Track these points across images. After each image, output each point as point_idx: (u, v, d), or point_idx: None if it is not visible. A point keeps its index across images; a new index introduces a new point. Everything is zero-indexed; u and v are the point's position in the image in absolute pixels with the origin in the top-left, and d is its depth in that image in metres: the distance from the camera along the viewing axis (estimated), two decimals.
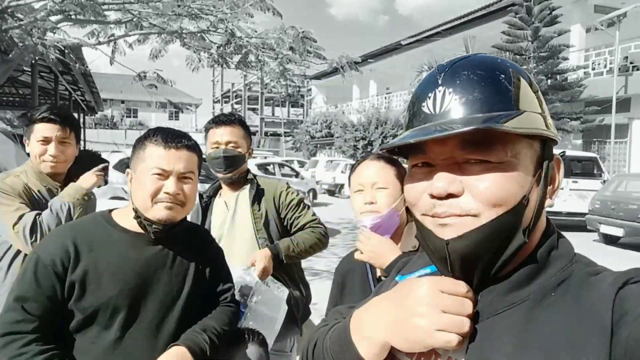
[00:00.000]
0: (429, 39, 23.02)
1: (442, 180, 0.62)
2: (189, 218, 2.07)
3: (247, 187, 2.02)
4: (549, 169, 0.65)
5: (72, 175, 2.00)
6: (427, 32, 23.31)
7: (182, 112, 40.87)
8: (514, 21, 16.41)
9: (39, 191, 1.89)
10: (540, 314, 0.59)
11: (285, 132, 37.10)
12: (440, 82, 0.65)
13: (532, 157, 0.64)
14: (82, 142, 2.10)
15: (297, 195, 2.04)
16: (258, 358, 1.43)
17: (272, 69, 7.24)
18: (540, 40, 16.04)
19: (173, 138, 1.30)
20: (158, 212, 1.27)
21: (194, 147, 1.35)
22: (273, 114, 45.02)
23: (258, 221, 1.95)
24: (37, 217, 1.74)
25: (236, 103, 44.74)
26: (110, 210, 1.37)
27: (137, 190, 1.29)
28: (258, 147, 34.94)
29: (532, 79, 0.67)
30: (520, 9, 16.26)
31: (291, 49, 6.62)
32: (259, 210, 1.97)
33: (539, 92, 0.68)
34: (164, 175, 1.28)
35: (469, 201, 0.61)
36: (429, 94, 0.65)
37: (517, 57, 16.33)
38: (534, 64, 16.21)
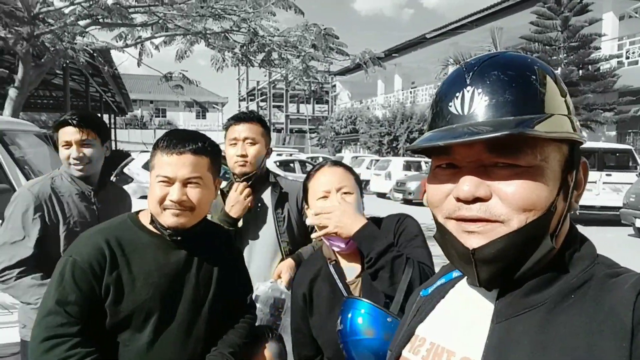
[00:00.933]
0: (454, 31, 22.62)
1: (469, 184, 0.60)
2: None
3: (269, 189, 2.00)
4: (577, 174, 0.64)
5: (104, 176, 2.04)
6: (452, 24, 22.90)
7: (208, 111, 41.43)
8: (542, 11, 15.95)
9: (70, 195, 1.94)
10: (559, 316, 0.58)
11: (310, 129, 37.17)
12: (468, 81, 0.63)
13: (561, 160, 0.62)
14: (111, 142, 2.14)
15: None
16: (277, 354, 1.46)
17: (295, 66, 7.27)
18: (570, 30, 15.54)
19: (177, 143, 1.26)
20: (167, 219, 1.27)
21: (202, 150, 1.29)
22: (298, 111, 45.17)
23: (281, 225, 1.95)
24: (20, 274, 1.80)
25: (261, 101, 45.08)
26: (137, 212, 1.38)
27: (149, 197, 1.30)
28: (283, 144, 35.14)
29: (559, 78, 0.65)
30: None
31: (313, 46, 6.64)
32: (281, 214, 1.96)
33: (568, 95, 0.66)
34: (169, 182, 1.26)
35: (498, 206, 0.59)
36: (457, 94, 0.63)
37: (547, 47, 15.88)
38: (564, 55, 15.73)
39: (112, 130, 21.38)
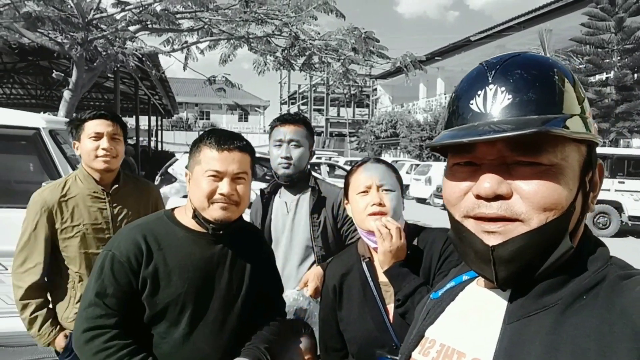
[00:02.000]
0: (500, 33, 22.02)
1: (490, 181, 0.60)
2: (248, 215, 2.15)
3: (309, 192, 1.99)
4: (593, 175, 0.64)
5: (119, 177, 2.03)
6: (498, 26, 22.31)
7: (249, 113, 42.18)
8: (595, 12, 15.28)
9: (82, 197, 1.93)
10: (571, 317, 0.57)
11: (350, 133, 37.12)
12: (490, 79, 0.62)
13: (580, 161, 0.62)
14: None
15: None
16: (310, 348, 1.49)
17: (335, 70, 7.31)
18: (625, 32, 14.81)
19: (226, 140, 1.33)
20: (214, 212, 1.31)
21: (246, 148, 1.37)
22: (338, 115, 45.23)
23: (315, 229, 1.94)
24: (39, 303, 1.88)
25: (302, 104, 45.46)
26: (172, 210, 1.44)
27: (194, 191, 1.34)
28: (323, 147, 35.26)
29: (577, 81, 0.65)
30: None
31: (354, 49, 6.65)
32: (317, 219, 1.95)
33: (586, 98, 0.65)
34: (218, 176, 1.31)
35: (518, 204, 0.59)
36: (478, 92, 0.63)
37: (599, 50, 15.20)
38: (618, 57, 15.00)
39: (159, 132, 22.14)
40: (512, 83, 0.61)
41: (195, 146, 1.37)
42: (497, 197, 0.60)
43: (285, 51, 7.09)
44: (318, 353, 1.52)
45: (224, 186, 1.31)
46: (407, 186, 17.87)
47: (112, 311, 1.26)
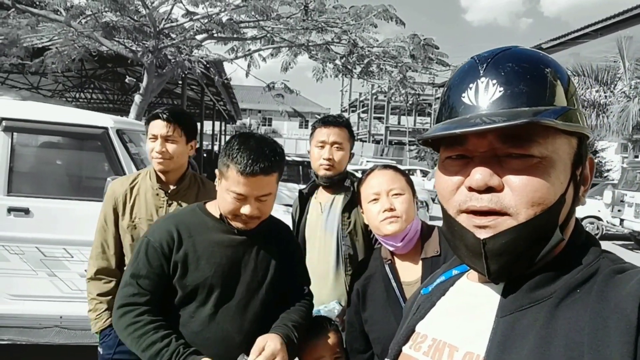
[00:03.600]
0: (574, 40, 20.87)
1: (482, 173, 0.60)
2: (289, 217, 2.20)
3: (344, 193, 2.02)
4: (583, 169, 0.64)
5: (185, 176, 2.05)
6: (572, 33, 21.16)
7: (309, 121, 42.77)
8: None
9: (145, 193, 2.00)
10: (564, 311, 0.57)
11: (410, 141, 36.61)
12: (482, 72, 0.63)
13: (570, 154, 0.62)
14: (197, 142, 2.08)
15: None
16: (337, 343, 1.52)
17: (393, 77, 7.28)
18: None
19: (252, 164, 1.32)
20: (237, 224, 1.42)
21: (272, 169, 1.36)
22: (399, 123, 44.75)
23: (345, 228, 1.96)
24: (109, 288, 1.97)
25: (363, 112, 45.45)
26: (205, 202, 1.54)
27: (221, 200, 1.41)
28: (381, 155, 35.00)
29: (569, 75, 0.65)
30: None
31: (412, 56, 6.59)
32: (347, 218, 1.97)
33: (576, 91, 0.66)
34: (242, 199, 1.36)
35: (508, 197, 0.59)
36: (470, 85, 0.63)
37: None
38: None
39: (222, 137, 23.01)
40: (504, 76, 0.61)
41: (225, 157, 1.37)
42: (489, 190, 0.60)
43: (344, 58, 7.16)
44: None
45: (246, 208, 1.37)
46: None
47: (144, 291, 1.38)
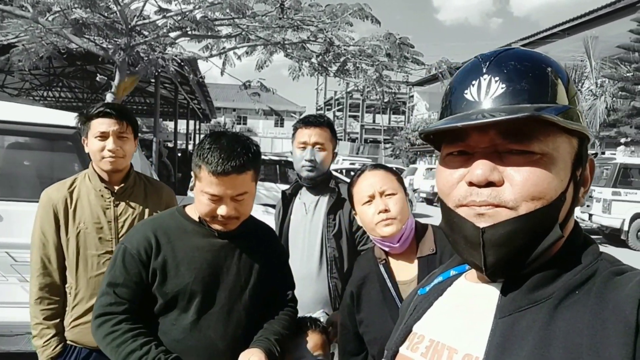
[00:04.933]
0: (543, 40, 21.39)
1: (482, 168, 0.60)
2: (272, 219, 2.18)
3: (328, 193, 2.02)
4: (583, 170, 0.64)
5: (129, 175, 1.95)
6: (541, 33, 21.69)
7: (285, 119, 42.63)
8: None
9: (87, 196, 1.87)
10: (563, 312, 0.57)
11: (385, 139, 36.91)
12: (485, 70, 0.64)
13: (571, 153, 0.63)
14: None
15: None
16: (321, 344, 1.50)
17: (369, 76, 7.31)
18: None
19: (223, 163, 1.29)
20: (216, 226, 1.39)
21: (246, 167, 1.33)
22: (374, 121, 45.07)
23: (330, 230, 1.95)
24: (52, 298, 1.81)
25: (338, 110, 45.56)
26: (184, 206, 1.51)
27: (197, 202, 1.38)
28: (357, 153, 35.17)
29: (569, 76, 0.66)
30: None
31: (388, 55, 6.63)
32: (332, 220, 1.96)
33: (577, 92, 0.67)
34: (217, 199, 1.33)
35: (508, 192, 0.60)
36: (473, 82, 0.64)
37: None
38: None
39: (197, 136, 22.69)
40: (506, 73, 0.62)
41: (197, 158, 1.34)
42: (488, 184, 0.60)
43: (320, 57, 7.14)
44: (331, 351, 1.54)
45: (223, 209, 1.34)
46: None
47: (121, 300, 1.34)
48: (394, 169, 1.58)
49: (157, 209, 1.96)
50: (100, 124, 1.84)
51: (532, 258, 0.60)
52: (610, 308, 0.54)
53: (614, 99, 15.92)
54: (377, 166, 1.52)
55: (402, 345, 0.74)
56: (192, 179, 1.39)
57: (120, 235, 1.87)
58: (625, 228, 10.17)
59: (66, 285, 1.87)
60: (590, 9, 18.75)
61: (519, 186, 0.59)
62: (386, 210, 1.39)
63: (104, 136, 1.84)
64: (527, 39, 22.49)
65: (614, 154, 13.34)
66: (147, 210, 1.95)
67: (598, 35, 18.32)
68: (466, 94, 0.64)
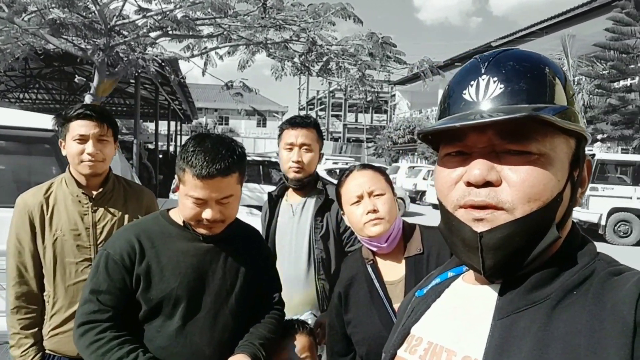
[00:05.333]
0: (522, 39, 21.74)
1: (480, 167, 0.60)
2: (257, 221, 2.16)
3: (315, 195, 2.00)
4: (582, 168, 0.64)
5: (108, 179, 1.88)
6: (520, 32, 22.05)
7: (267, 119, 42.45)
8: (620, 17, 14.98)
9: (63, 201, 1.80)
10: (561, 313, 0.57)
11: (367, 138, 37.07)
12: (483, 70, 0.64)
13: (568, 154, 0.63)
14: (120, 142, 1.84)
15: None
16: (308, 347, 1.49)
17: (352, 75, 7.32)
18: None
19: (208, 166, 1.26)
20: (201, 230, 1.36)
21: (231, 169, 1.30)
22: (356, 120, 45.23)
23: (317, 232, 1.94)
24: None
25: (320, 110, 45.60)
26: (168, 210, 1.47)
27: (181, 206, 1.35)
28: (340, 153, 35.25)
29: (568, 77, 0.66)
30: (627, 3, 14.81)
31: (370, 54, 6.64)
32: (320, 222, 1.95)
33: (575, 94, 0.67)
34: (202, 203, 1.30)
35: (505, 192, 0.60)
36: (471, 82, 0.64)
37: (623, 55, 14.88)
38: None
39: (178, 137, 22.46)
40: (504, 74, 0.62)
41: (180, 161, 1.31)
42: (486, 184, 0.60)
43: (303, 56, 7.13)
44: (318, 353, 1.53)
45: (208, 212, 1.31)
46: (424, 192, 17.73)
47: (105, 307, 1.31)
48: (384, 169, 1.57)
49: (137, 213, 1.91)
50: (80, 127, 1.77)
51: (530, 259, 0.60)
52: (608, 309, 0.54)
53: (590, 96, 16.28)
54: (366, 166, 1.51)
55: (400, 347, 0.73)
56: (175, 181, 1.37)
57: (99, 242, 1.82)
58: (603, 223, 10.40)
59: (44, 294, 1.82)
60: (567, 8, 19.14)
61: (516, 187, 0.59)
62: (374, 211, 1.38)
63: (83, 139, 1.77)
64: (506, 37, 22.84)
65: (591, 150, 13.63)
66: (126, 216, 1.90)
67: (575, 33, 18.71)
68: (464, 94, 0.64)
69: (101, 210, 1.85)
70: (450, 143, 0.66)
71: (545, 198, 0.59)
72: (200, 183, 1.27)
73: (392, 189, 1.48)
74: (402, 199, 15.01)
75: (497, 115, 0.58)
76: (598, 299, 0.55)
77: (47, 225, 1.79)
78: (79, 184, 1.83)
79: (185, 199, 1.31)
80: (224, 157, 1.29)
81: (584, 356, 0.52)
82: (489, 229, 0.60)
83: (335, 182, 1.62)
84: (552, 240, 0.60)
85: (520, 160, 0.60)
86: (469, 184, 0.62)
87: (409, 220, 1.54)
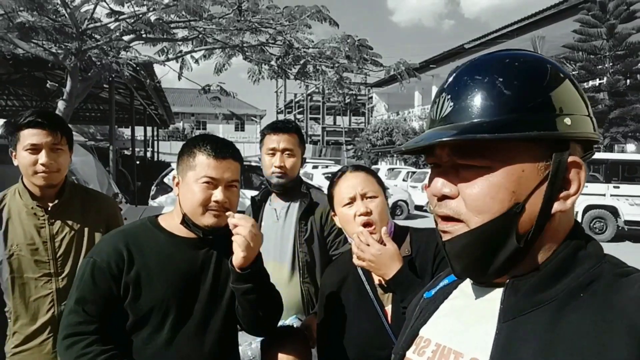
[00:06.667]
0: (494, 41, 22.19)
1: (435, 182, 0.66)
2: None
3: (299, 199, 2.00)
4: (558, 173, 0.61)
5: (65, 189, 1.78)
6: (492, 34, 22.51)
7: (246, 123, 42.24)
8: (586, 19, 15.46)
9: (18, 215, 1.72)
10: (568, 315, 0.57)
11: (346, 141, 37.21)
12: (445, 86, 0.67)
13: (535, 160, 0.61)
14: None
15: None
16: (303, 352, 1.48)
17: (329, 78, 7.33)
18: (616, 38, 14.98)
19: (221, 148, 1.34)
20: (206, 219, 1.32)
21: (238, 156, 1.39)
22: (335, 123, 45.34)
23: (302, 235, 1.94)
24: None
25: (299, 113, 45.58)
26: (156, 216, 1.44)
27: (186, 197, 1.33)
28: (319, 156, 35.30)
29: (550, 76, 0.62)
30: (593, 6, 15.30)
31: (347, 57, 6.67)
32: (304, 225, 1.94)
33: (554, 91, 0.62)
34: (214, 183, 1.31)
35: (461, 205, 0.63)
36: (436, 99, 0.67)
37: (591, 56, 15.35)
38: (610, 64, 15.15)
39: (155, 142, 22.13)
40: (457, 90, 0.64)
41: (189, 151, 1.36)
42: (445, 197, 0.64)
43: (280, 60, 7.11)
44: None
45: (218, 194, 1.31)
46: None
47: (91, 318, 1.26)
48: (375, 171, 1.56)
49: (97, 224, 1.82)
50: (32, 135, 1.66)
51: (497, 266, 0.62)
52: (615, 310, 0.54)
53: None
54: (358, 167, 1.50)
55: (409, 349, 0.73)
56: (176, 180, 1.38)
57: (58, 256, 1.74)
58: (579, 219, 10.65)
59: (5, 309, 1.74)
60: (536, 10, 19.63)
61: (466, 200, 0.63)
62: (367, 213, 1.37)
63: (35, 149, 1.66)
64: (478, 39, 23.29)
65: None
66: (86, 228, 1.80)
67: (545, 35, 19.22)
68: (432, 111, 0.68)
69: (58, 222, 1.75)
70: (428, 157, 0.69)
71: (495, 210, 0.60)
72: (214, 162, 1.31)
73: (384, 191, 1.47)
74: (404, 201, 14.86)
75: (442, 136, 0.62)
76: (605, 300, 0.56)
77: (2, 240, 1.71)
78: (33, 196, 1.74)
79: (195, 185, 1.31)
80: (230, 145, 1.40)
81: (590, 358, 0.52)
82: (449, 239, 0.65)
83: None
84: (512, 252, 0.61)
85: (472, 174, 0.62)
86: (434, 196, 0.66)
87: (411, 224, 1.52)
